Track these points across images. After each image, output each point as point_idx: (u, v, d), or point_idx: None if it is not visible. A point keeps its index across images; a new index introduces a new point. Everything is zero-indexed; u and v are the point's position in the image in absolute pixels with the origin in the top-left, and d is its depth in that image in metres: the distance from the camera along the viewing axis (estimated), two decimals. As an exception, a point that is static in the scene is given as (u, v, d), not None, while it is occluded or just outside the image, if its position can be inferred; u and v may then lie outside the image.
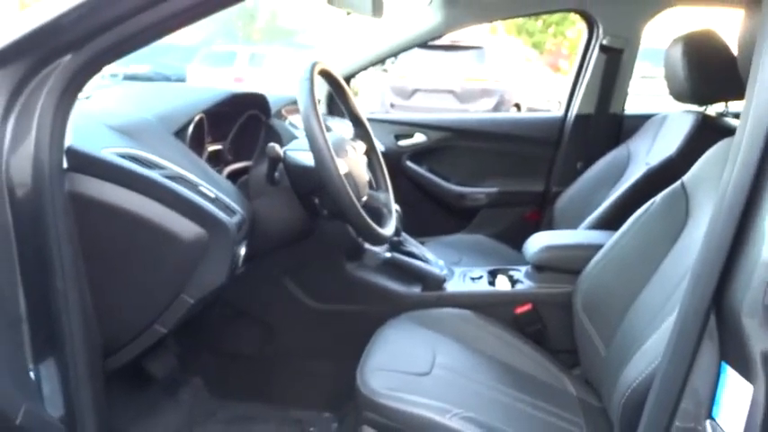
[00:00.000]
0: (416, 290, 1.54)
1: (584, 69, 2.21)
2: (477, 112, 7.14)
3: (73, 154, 0.89)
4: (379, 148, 2.23)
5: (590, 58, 2.18)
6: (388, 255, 1.55)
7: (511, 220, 2.28)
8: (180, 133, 1.08)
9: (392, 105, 7.72)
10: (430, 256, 1.67)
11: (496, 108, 7.34)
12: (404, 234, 1.71)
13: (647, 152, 1.84)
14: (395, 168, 2.28)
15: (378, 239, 1.19)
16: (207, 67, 9.15)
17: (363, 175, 1.27)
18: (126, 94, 1.18)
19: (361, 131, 1.37)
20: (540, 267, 1.51)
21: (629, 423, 0.96)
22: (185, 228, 0.96)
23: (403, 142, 2.32)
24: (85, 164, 0.90)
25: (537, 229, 2.21)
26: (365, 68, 2.23)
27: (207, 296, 1.02)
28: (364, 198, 1.25)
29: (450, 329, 1.39)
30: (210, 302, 1.53)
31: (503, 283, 1.56)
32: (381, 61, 2.25)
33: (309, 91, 1.08)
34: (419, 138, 2.31)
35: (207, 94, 1.20)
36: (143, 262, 0.97)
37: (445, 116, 2.51)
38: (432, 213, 2.35)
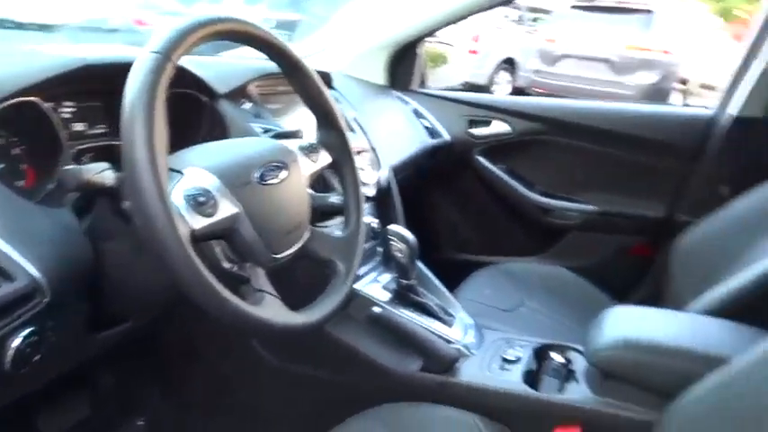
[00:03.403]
0: (413, 367, 1.04)
1: (757, 50, 1.48)
2: (634, 86, 6.16)
3: None
4: (444, 136, 1.73)
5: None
6: (379, 310, 1.07)
7: (609, 253, 1.66)
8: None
9: (536, 72, 6.95)
10: (461, 314, 1.16)
11: (658, 83, 6.29)
12: (422, 270, 1.21)
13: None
14: (463, 164, 1.75)
15: (256, 329, 0.69)
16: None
17: (296, 210, 0.78)
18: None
19: (328, 134, 0.87)
20: (609, 373, 0.94)
21: None
22: None
23: (477, 131, 1.76)
24: None
25: (644, 270, 1.59)
26: (439, 29, 1.69)
27: None
28: (289, 251, 0.76)
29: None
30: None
31: (549, 380, 1.00)
32: (464, 18, 1.69)
33: (151, 83, 0.60)
34: (499, 127, 1.74)
35: (48, 63, 0.77)
36: None
37: (538, 100, 1.89)
38: (502, 227, 1.79)
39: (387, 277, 1.18)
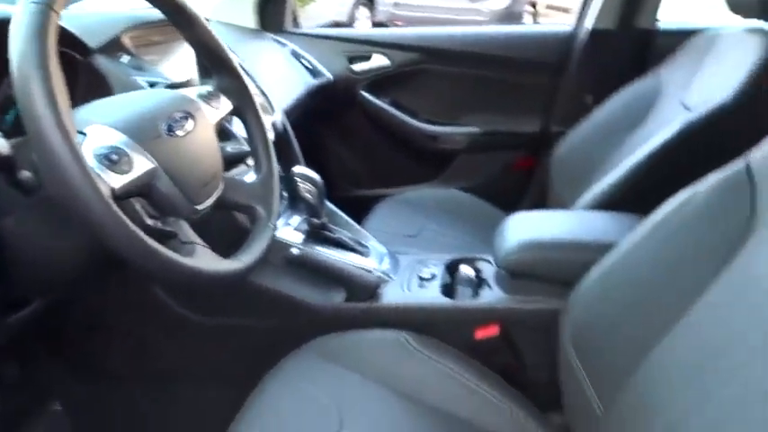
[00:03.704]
0: (338, 299, 1.08)
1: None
2: (485, 12, 6.40)
3: None
4: (326, 75, 1.73)
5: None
6: (297, 251, 1.08)
7: (496, 170, 1.78)
8: None
9: (395, 5, 6.97)
10: (374, 244, 1.20)
11: (510, 7, 6.59)
12: (330, 207, 1.23)
13: (685, 87, 1.30)
14: (347, 101, 1.76)
15: (193, 281, 0.67)
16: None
17: (209, 160, 0.76)
18: None
19: (224, 80, 0.84)
20: (516, 273, 1.04)
21: None
22: None
23: (358, 66, 1.77)
24: None
25: (528, 181, 1.73)
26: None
27: None
28: (209, 201, 0.75)
29: (376, 366, 0.95)
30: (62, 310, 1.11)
31: (463, 289, 1.09)
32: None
33: (39, 36, 0.55)
34: (379, 60, 1.76)
35: None
36: None
37: (413, 31, 1.93)
38: (394, 159, 1.84)
39: (297, 219, 1.18)
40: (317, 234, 1.14)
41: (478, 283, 1.10)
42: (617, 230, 0.97)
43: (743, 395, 0.62)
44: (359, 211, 1.49)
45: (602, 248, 0.92)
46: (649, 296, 0.82)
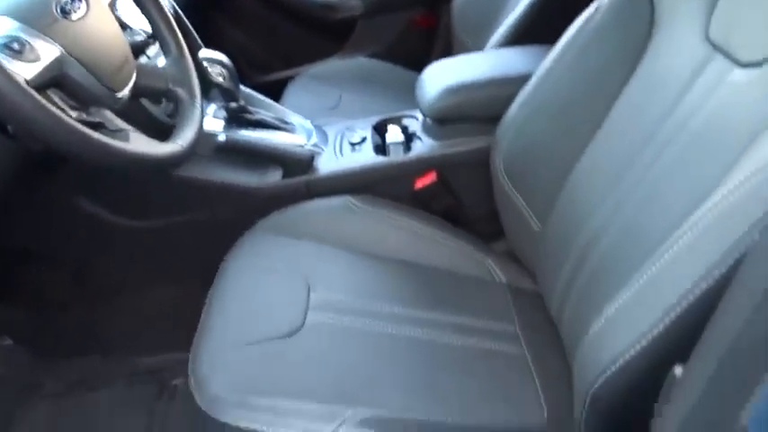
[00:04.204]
0: (275, 178, 1.08)
1: None
2: None
3: None
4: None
5: None
6: (223, 137, 1.05)
7: (399, 31, 1.74)
8: None
9: None
10: (294, 119, 1.18)
11: None
12: (246, 90, 1.19)
13: None
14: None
15: (135, 165, 0.63)
16: None
17: (116, 43, 0.70)
18: None
19: None
20: (444, 120, 1.07)
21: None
22: None
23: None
24: None
25: (432, 35, 1.73)
26: None
27: None
28: (126, 88, 0.70)
29: (328, 231, 0.98)
30: None
31: (395, 146, 1.11)
32: None
33: None
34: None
35: None
36: None
37: None
38: (293, 36, 1.76)
39: (212, 107, 1.14)
40: (237, 118, 1.11)
41: (408, 137, 1.12)
42: (532, 61, 1.00)
43: (656, 189, 0.70)
44: (271, 95, 1.44)
45: (520, 80, 0.96)
46: (569, 114, 0.88)
